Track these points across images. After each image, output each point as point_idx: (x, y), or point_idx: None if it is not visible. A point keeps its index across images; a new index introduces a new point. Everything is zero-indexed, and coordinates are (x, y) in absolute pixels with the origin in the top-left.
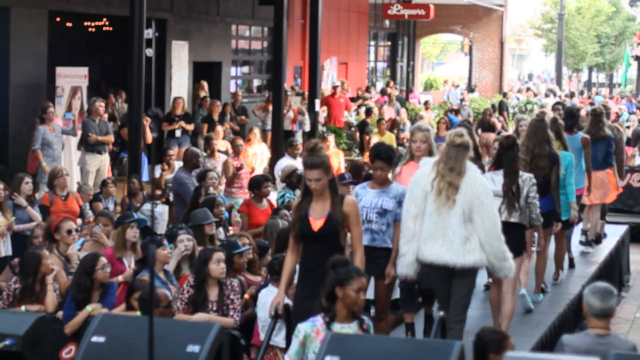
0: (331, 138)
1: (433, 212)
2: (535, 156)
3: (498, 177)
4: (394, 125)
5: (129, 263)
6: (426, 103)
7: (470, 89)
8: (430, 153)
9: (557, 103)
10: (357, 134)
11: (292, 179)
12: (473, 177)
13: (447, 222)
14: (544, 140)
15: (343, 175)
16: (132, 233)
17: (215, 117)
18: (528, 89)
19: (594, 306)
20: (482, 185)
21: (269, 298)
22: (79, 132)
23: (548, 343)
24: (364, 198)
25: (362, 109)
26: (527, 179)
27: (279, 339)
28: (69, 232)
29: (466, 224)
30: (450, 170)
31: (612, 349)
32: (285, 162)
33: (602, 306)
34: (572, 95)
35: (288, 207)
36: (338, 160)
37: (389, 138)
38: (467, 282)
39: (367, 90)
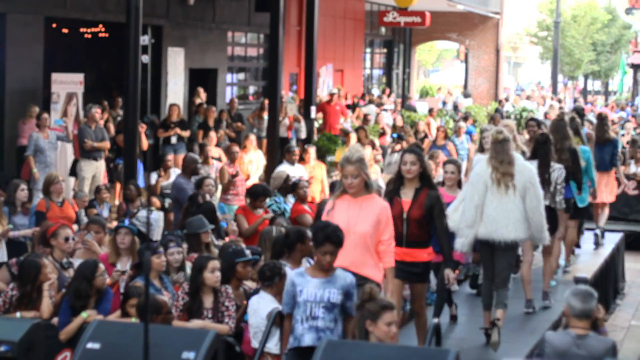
0: (312, 150)
1: (494, 199)
2: (557, 151)
3: (533, 166)
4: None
5: (123, 268)
6: (431, 111)
7: (465, 94)
8: (366, 185)
9: (532, 119)
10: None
11: (286, 185)
12: (522, 165)
13: (508, 206)
14: (565, 137)
15: (334, 183)
16: (120, 239)
17: (211, 123)
18: (528, 97)
19: (575, 307)
20: (531, 171)
21: (261, 304)
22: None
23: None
24: (305, 289)
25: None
26: (557, 169)
27: (271, 345)
28: (67, 239)
29: (523, 205)
30: (501, 163)
31: (590, 349)
32: (283, 169)
33: (583, 307)
34: (575, 101)
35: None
36: (321, 172)
37: None
38: (511, 255)
39: (362, 97)
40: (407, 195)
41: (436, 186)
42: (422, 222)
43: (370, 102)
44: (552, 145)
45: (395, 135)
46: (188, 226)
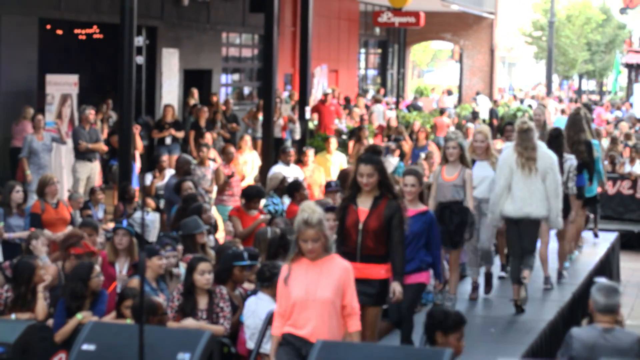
0: (310, 152)
1: (520, 181)
2: (574, 142)
3: (553, 154)
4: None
5: (121, 268)
6: (442, 111)
7: (449, 92)
8: (326, 248)
9: (509, 124)
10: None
11: (282, 186)
12: (544, 152)
13: (532, 187)
14: (581, 130)
15: (329, 182)
16: (117, 240)
17: (202, 123)
18: (533, 97)
19: (599, 302)
20: (551, 158)
21: (258, 306)
22: (68, 140)
23: (539, 350)
24: None
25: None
26: (569, 159)
27: (268, 347)
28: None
29: (544, 186)
30: (526, 149)
31: (617, 341)
32: (278, 169)
33: (607, 302)
34: (575, 101)
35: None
36: (320, 175)
37: (338, 160)
38: (534, 229)
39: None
40: (364, 204)
41: (398, 195)
42: (379, 234)
43: (377, 101)
44: (564, 139)
45: (392, 139)
46: (183, 227)
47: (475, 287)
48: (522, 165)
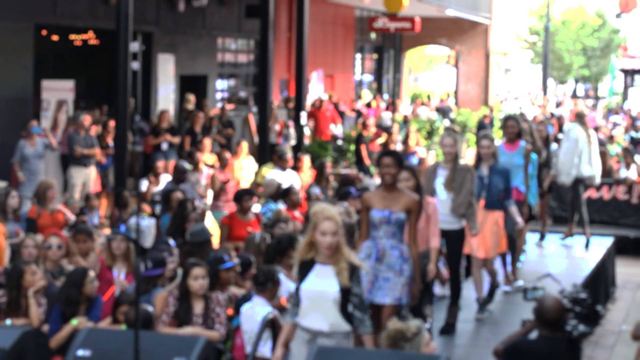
0: (306, 158)
1: (585, 149)
2: None
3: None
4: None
5: (118, 273)
6: (484, 117)
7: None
8: None
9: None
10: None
11: (278, 192)
12: (593, 131)
13: (590, 154)
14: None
15: (349, 191)
16: (115, 245)
17: (197, 129)
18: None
19: None
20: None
21: (255, 310)
22: (58, 146)
23: None
24: None
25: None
26: None
27: (265, 350)
28: (59, 247)
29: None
30: (584, 129)
31: None
32: (273, 175)
33: None
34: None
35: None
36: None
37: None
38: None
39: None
40: None
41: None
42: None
43: (418, 102)
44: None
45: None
46: (192, 236)
47: None
48: (584, 138)
